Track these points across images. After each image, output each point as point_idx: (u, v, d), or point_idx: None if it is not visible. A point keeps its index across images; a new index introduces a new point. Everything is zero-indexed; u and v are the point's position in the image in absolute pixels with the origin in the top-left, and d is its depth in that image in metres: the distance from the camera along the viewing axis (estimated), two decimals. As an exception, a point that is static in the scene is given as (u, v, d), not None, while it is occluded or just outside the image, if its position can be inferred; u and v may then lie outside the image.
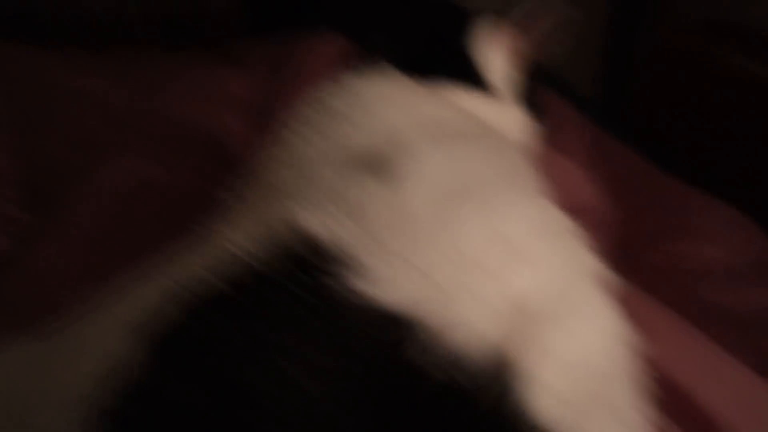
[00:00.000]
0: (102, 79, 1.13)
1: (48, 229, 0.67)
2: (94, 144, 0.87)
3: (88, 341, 0.27)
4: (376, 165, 0.35)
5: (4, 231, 0.72)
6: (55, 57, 1.24)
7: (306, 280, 0.26)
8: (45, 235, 0.66)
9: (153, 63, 1.22)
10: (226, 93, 1.07)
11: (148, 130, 0.89)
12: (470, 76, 0.54)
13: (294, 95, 0.98)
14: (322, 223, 0.29)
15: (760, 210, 0.97)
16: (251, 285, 0.27)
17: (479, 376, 0.25)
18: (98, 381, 0.23)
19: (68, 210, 0.70)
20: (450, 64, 0.54)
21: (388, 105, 0.43)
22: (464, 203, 0.32)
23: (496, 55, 0.57)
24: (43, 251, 0.63)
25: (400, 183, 0.32)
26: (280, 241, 0.29)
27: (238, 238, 0.30)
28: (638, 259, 0.82)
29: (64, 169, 0.83)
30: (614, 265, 0.38)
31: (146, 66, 1.19)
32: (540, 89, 0.63)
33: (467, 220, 0.31)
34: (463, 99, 0.52)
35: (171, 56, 1.30)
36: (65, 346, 0.28)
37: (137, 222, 0.69)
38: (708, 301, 0.74)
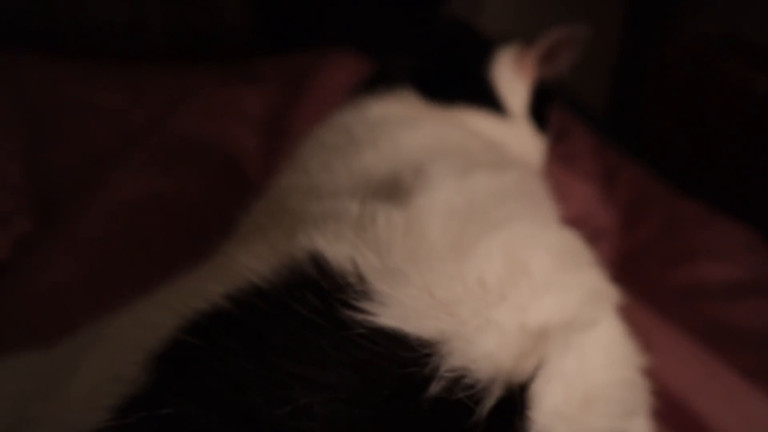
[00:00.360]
0: (119, 94, 1.14)
1: (57, 243, 0.67)
2: (107, 158, 0.86)
3: (97, 362, 0.27)
4: (395, 192, 0.34)
5: (14, 242, 0.73)
6: (75, 70, 1.25)
7: (320, 307, 0.26)
8: (54, 249, 0.66)
9: (170, 79, 1.24)
10: (242, 111, 1.07)
11: (162, 147, 0.89)
12: (491, 101, 0.54)
13: (311, 116, 0.99)
14: (341, 251, 0.29)
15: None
16: (262, 309, 0.27)
17: (487, 398, 0.26)
18: (105, 403, 0.23)
19: (77, 223, 0.69)
20: (471, 88, 0.54)
21: (408, 131, 0.42)
22: (484, 232, 0.32)
23: (517, 80, 0.57)
24: (52, 265, 0.62)
25: (417, 210, 0.32)
26: (295, 267, 0.28)
27: (251, 262, 0.29)
28: (657, 282, 0.81)
29: (75, 181, 0.83)
30: (628, 284, 0.38)
31: (164, 82, 1.20)
32: (553, 108, 0.63)
33: (488, 249, 0.31)
34: (483, 123, 0.52)
35: (188, 72, 1.31)
36: (73, 364, 0.27)
37: (146, 237, 0.68)
38: (726, 323, 0.73)
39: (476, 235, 0.32)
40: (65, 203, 0.78)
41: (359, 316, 0.26)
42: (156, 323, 0.26)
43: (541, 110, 0.59)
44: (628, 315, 0.36)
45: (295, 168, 0.43)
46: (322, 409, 0.24)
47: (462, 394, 0.25)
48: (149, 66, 1.37)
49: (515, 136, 0.55)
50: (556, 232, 0.38)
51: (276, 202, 0.41)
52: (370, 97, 0.51)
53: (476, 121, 0.51)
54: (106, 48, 3.12)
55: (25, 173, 0.89)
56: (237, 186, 0.85)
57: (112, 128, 1.02)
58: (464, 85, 0.54)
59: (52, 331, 0.30)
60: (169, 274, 0.31)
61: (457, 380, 0.26)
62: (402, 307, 0.27)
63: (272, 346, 0.25)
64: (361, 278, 0.28)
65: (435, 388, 0.25)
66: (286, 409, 0.23)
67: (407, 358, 0.26)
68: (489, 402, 0.25)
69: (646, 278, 0.82)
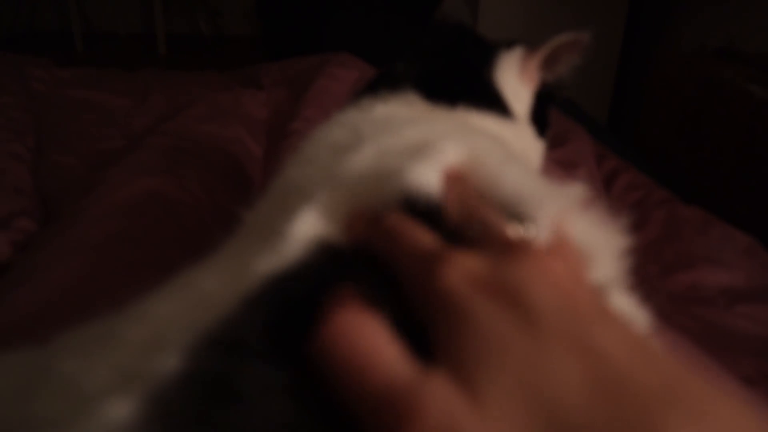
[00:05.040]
0: (125, 97, 1.15)
1: (57, 244, 0.67)
2: (111, 161, 0.87)
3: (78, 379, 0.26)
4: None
5: (18, 243, 0.73)
6: (82, 74, 1.27)
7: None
8: (54, 250, 0.66)
9: (175, 83, 1.25)
10: (246, 114, 1.08)
11: (164, 147, 0.89)
12: (496, 105, 0.53)
13: (314, 119, 1.00)
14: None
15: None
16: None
17: None
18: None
19: (77, 224, 0.69)
20: (476, 92, 0.53)
21: (411, 128, 0.41)
22: None
23: (521, 85, 0.56)
24: (53, 266, 0.62)
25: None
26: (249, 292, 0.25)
27: (219, 282, 0.27)
28: (656, 287, 0.82)
29: (79, 183, 0.84)
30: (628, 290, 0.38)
31: (168, 86, 1.21)
32: (552, 112, 0.62)
33: None
34: (488, 123, 0.51)
35: (192, 77, 1.32)
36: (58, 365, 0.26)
37: (146, 237, 0.68)
38: (725, 329, 0.73)
39: None
40: (68, 205, 0.79)
41: None
42: (134, 343, 0.24)
43: (541, 114, 0.58)
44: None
45: (297, 163, 0.42)
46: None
47: None
48: (155, 71, 1.38)
49: (518, 138, 0.54)
50: None
51: (264, 203, 0.40)
52: (374, 98, 0.50)
53: (481, 121, 0.51)
54: (114, 54, 3.15)
55: (30, 174, 0.90)
56: (240, 188, 0.86)
57: (116, 131, 1.03)
58: (469, 89, 0.53)
59: (48, 333, 0.29)
60: (168, 274, 0.31)
61: None
62: None
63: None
64: None
65: None
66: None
67: None
68: None
69: (645, 283, 0.82)
